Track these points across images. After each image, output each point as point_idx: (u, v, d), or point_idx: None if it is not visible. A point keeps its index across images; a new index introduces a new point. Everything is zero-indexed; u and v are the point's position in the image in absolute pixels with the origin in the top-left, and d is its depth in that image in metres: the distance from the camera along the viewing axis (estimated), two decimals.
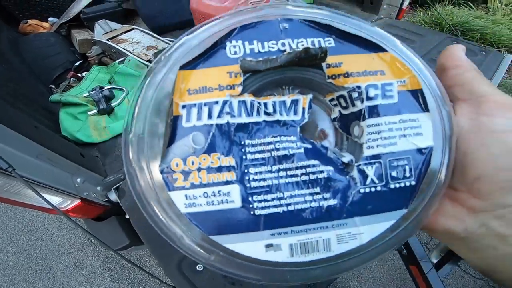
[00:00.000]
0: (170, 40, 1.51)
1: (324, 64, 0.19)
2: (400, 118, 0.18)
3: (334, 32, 0.19)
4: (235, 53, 0.18)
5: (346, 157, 0.18)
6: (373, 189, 0.17)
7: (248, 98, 0.18)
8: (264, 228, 0.17)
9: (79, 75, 1.41)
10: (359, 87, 0.18)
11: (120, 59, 1.39)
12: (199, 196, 0.17)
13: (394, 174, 0.18)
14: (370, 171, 0.18)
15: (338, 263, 0.17)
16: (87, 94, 1.20)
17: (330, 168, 0.18)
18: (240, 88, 0.18)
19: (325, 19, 0.19)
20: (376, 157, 0.18)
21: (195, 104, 0.17)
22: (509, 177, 0.17)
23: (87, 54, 1.50)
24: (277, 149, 0.17)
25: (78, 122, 1.11)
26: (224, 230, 0.17)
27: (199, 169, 0.17)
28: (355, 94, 0.18)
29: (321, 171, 0.18)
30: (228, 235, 0.17)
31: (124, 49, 1.41)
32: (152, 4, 1.64)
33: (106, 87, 1.23)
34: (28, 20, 1.66)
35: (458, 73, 0.20)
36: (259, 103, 0.18)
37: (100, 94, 1.16)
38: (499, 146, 0.17)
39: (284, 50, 0.18)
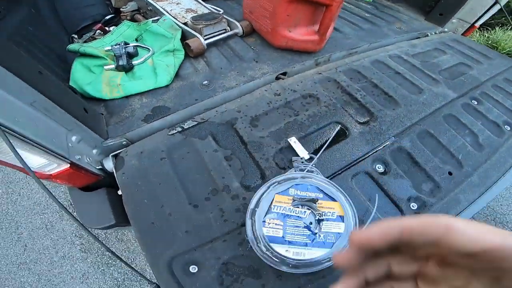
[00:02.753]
0: (212, 7, 1.43)
1: (316, 204, 0.69)
2: (336, 223, 0.66)
3: (323, 192, 0.70)
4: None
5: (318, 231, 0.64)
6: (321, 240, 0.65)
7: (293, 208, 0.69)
8: (287, 244, 0.65)
9: (107, 28, 1.37)
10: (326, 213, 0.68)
11: (154, 18, 1.34)
12: (270, 230, 0.65)
13: (328, 237, 0.65)
14: (321, 235, 0.65)
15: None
16: (109, 48, 1.14)
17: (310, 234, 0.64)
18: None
19: (325, 188, 0.70)
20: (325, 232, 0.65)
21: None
22: None
23: (121, 9, 1.47)
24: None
25: (91, 75, 1.03)
26: (274, 241, 0.65)
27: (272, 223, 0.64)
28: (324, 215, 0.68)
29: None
30: (275, 244, 0.65)
31: (162, 8, 1.35)
32: None
33: (131, 44, 1.16)
34: None
35: None
36: (295, 211, 0.68)
37: (123, 50, 1.10)
38: None
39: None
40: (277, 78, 1.17)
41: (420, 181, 0.86)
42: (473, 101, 1.08)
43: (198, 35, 1.19)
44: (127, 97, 0.98)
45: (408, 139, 0.93)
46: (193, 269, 0.68)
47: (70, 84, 0.99)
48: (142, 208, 0.75)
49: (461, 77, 1.23)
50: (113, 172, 0.81)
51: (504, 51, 3.11)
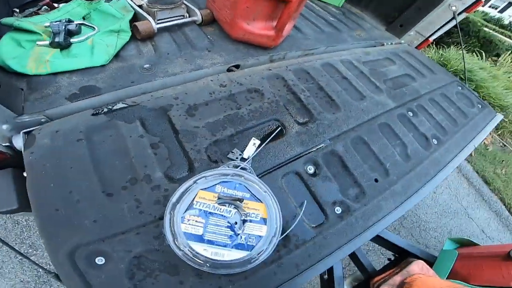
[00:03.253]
0: None
1: (242, 203, 0.71)
2: (259, 226, 0.70)
3: (250, 192, 0.72)
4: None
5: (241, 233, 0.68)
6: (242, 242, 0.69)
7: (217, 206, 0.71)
8: (206, 243, 0.67)
9: (55, 5, 1.28)
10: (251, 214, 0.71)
11: None
12: (189, 227, 0.66)
13: (249, 240, 0.69)
14: (243, 237, 0.68)
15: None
16: (49, 24, 1.07)
17: (232, 234, 0.68)
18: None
19: (253, 188, 0.73)
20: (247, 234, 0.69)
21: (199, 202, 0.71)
22: None
23: None
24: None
25: (20, 49, 0.96)
26: (192, 239, 0.67)
27: (192, 220, 0.67)
28: (249, 216, 0.71)
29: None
30: (193, 242, 0.67)
31: None
32: None
33: (75, 22, 1.09)
34: None
35: None
36: (220, 209, 0.70)
37: (63, 27, 1.03)
38: None
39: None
40: (229, 70, 1.15)
41: (348, 186, 0.86)
42: (409, 112, 1.12)
43: (150, 18, 1.14)
44: (55, 74, 0.92)
45: (342, 143, 0.94)
46: (99, 260, 0.63)
47: None
48: (47, 192, 0.69)
49: (403, 87, 1.28)
50: (21, 152, 0.75)
51: (452, 69, 3.36)
